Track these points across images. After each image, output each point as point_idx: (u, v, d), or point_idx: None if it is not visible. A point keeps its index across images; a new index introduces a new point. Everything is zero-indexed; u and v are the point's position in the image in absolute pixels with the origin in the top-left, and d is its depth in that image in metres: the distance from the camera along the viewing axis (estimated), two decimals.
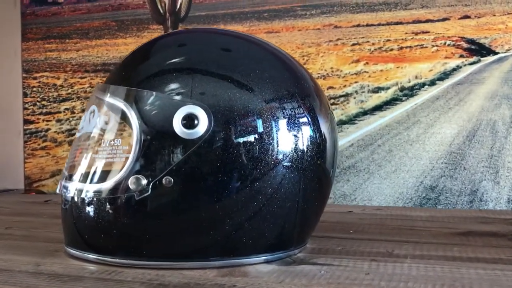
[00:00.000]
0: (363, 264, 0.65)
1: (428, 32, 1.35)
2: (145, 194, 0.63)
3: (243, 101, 0.64)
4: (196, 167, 0.63)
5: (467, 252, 0.71)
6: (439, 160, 1.31)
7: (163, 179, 0.63)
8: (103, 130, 0.67)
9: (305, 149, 0.66)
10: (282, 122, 0.65)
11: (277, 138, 0.64)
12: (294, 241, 0.70)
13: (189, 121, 0.62)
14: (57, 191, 0.73)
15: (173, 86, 0.65)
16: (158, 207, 0.64)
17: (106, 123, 0.67)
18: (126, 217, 0.66)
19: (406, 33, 1.36)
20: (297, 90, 0.68)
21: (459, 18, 1.34)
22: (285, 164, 0.65)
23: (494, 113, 1.31)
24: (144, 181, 0.63)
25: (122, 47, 1.60)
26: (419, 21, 1.35)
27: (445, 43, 1.34)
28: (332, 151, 0.71)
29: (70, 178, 0.70)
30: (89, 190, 0.67)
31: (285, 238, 0.68)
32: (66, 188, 0.70)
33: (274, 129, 0.65)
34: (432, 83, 1.34)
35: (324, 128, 0.69)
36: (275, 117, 0.65)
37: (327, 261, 0.67)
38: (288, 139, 0.65)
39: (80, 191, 0.68)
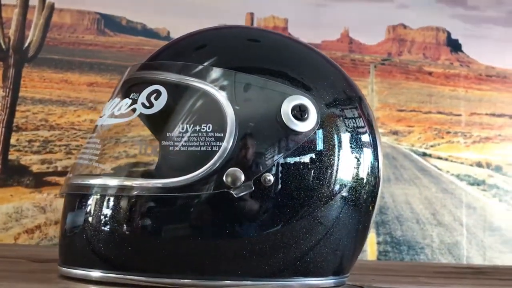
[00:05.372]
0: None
1: None
2: (245, 192, 0.49)
3: (346, 100, 0.57)
4: (300, 165, 0.52)
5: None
6: None
7: (262, 177, 0.50)
8: (178, 114, 0.52)
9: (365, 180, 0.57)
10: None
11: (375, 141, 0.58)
12: (347, 268, 0.61)
13: (300, 112, 0.52)
14: (64, 191, 0.53)
15: (275, 72, 0.54)
16: (254, 210, 0.51)
17: (184, 106, 0.52)
18: (209, 220, 0.50)
19: None
20: (353, 92, 0.59)
21: None
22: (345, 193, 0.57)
23: None
24: (242, 177, 0.50)
25: None
26: None
27: None
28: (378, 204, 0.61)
29: (98, 173, 0.51)
30: (152, 185, 0.49)
31: (344, 264, 0.60)
32: (92, 186, 0.51)
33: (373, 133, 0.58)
34: None
35: (380, 158, 0.60)
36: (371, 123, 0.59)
37: (393, 286, 0.61)
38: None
39: (130, 188, 0.50)
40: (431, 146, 1.41)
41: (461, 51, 1.46)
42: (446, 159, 1.41)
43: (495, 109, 1.45)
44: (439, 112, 1.42)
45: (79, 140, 1.29)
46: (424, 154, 1.41)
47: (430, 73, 1.44)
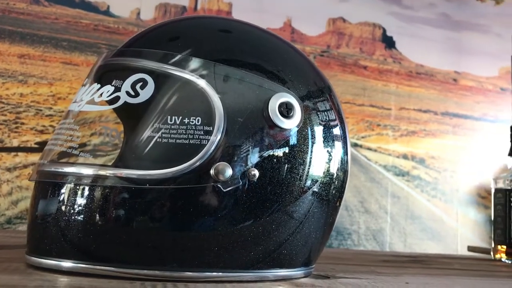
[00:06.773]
0: (389, 278, 0.64)
1: None
2: (233, 187, 0.49)
3: (321, 95, 0.58)
4: (282, 161, 0.53)
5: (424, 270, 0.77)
6: None
7: (247, 172, 0.51)
8: (165, 105, 0.50)
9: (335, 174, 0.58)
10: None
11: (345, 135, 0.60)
12: (314, 259, 0.63)
13: (286, 110, 0.53)
14: (37, 179, 0.50)
15: (262, 68, 0.54)
16: (238, 204, 0.51)
17: (169, 97, 0.50)
18: (192, 213, 0.49)
19: None
20: (325, 84, 0.62)
21: None
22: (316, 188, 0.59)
23: None
24: (230, 171, 0.49)
25: None
26: None
27: None
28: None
29: (77, 161, 0.49)
30: (134, 176, 0.48)
31: (312, 255, 0.61)
32: (69, 174, 0.49)
33: (344, 128, 0.60)
34: None
35: (349, 154, 0.62)
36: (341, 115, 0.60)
37: (355, 276, 0.63)
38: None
39: (113, 178, 0.48)
40: (362, 137, 1.47)
41: (395, 48, 1.52)
42: (375, 150, 1.47)
43: (422, 105, 1.53)
44: (371, 105, 1.48)
45: (7, 114, 1.22)
46: (355, 145, 1.46)
47: (365, 67, 1.49)
